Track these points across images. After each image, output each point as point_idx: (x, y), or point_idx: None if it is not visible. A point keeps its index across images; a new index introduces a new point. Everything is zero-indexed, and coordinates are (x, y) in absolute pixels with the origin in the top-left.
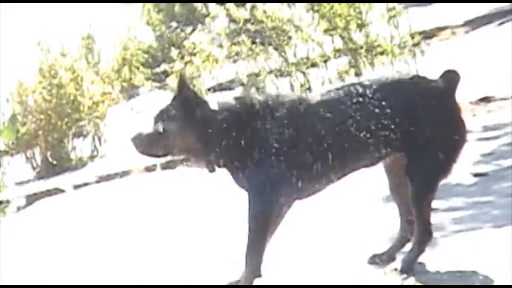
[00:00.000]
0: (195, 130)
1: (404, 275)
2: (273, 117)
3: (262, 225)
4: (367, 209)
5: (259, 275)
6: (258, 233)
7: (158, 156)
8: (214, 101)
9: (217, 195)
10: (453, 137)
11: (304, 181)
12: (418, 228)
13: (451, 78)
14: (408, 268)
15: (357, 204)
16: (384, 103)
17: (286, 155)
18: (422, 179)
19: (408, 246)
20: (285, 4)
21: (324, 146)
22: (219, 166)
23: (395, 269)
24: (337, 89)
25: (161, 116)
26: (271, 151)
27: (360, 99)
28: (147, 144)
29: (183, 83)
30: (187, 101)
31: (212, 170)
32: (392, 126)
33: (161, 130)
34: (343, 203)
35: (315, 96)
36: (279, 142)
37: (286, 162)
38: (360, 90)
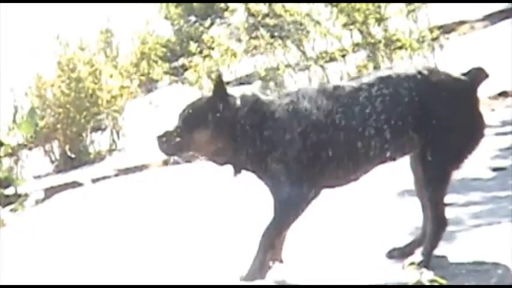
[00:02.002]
0: (222, 133)
1: (423, 269)
2: (294, 112)
3: (289, 217)
4: (387, 203)
5: (281, 261)
6: (283, 223)
7: (181, 156)
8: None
9: (235, 190)
10: (470, 133)
11: (330, 173)
12: (433, 221)
13: (476, 75)
14: (426, 261)
15: (377, 198)
16: (404, 95)
17: (311, 148)
18: (438, 172)
19: None
20: None
21: (347, 138)
22: (247, 169)
23: (413, 263)
24: (360, 79)
25: (189, 117)
26: (296, 145)
27: (381, 90)
28: (174, 147)
29: (220, 86)
30: (217, 103)
31: (238, 172)
32: (412, 119)
33: (187, 132)
34: (363, 197)
35: (337, 86)
36: (302, 136)
37: (311, 155)
38: (382, 81)
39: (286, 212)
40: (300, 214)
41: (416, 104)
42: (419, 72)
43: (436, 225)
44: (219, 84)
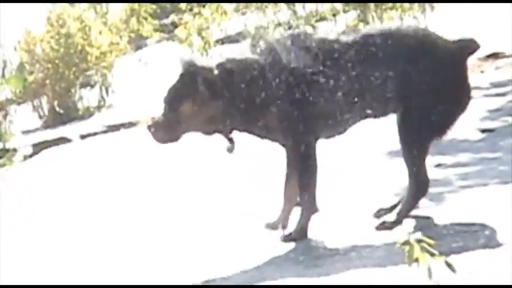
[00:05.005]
0: (205, 105)
1: (410, 231)
2: (279, 68)
3: (311, 163)
4: (375, 163)
5: (316, 210)
6: (309, 172)
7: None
8: (222, 54)
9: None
10: (453, 99)
11: (323, 123)
12: (410, 185)
13: (467, 44)
14: (399, 222)
15: (365, 158)
16: (388, 54)
17: (302, 101)
18: (414, 138)
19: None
20: None
21: (334, 91)
22: (240, 131)
23: (384, 222)
24: (350, 35)
25: (170, 99)
26: (290, 98)
27: (368, 46)
28: (165, 133)
29: (186, 61)
30: (191, 77)
31: (232, 148)
32: (394, 78)
33: (173, 116)
34: (351, 157)
35: (323, 40)
36: (291, 90)
37: (304, 107)
38: (369, 37)
39: (309, 165)
40: (315, 157)
41: (401, 62)
42: (407, 31)
43: (415, 191)
44: (187, 64)
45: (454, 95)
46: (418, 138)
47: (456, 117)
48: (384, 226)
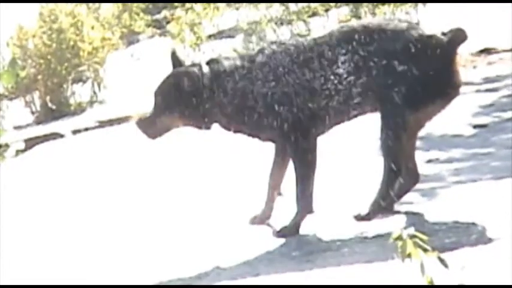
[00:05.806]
0: (193, 103)
1: (405, 226)
2: (265, 68)
3: (310, 163)
4: (369, 159)
5: (312, 211)
6: (307, 172)
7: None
8: (214, 49)
9: (214, 142)
10: (436, 91)
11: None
12: (384, 171)
13: (455, 35)
14: (373, 214)
15: (358, 154)
16: (372, 50)
17: (289, 99)
18: (395, 129)
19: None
20: None
21: (317, 88)
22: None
23: (359, 215)
24: (337, 29)
25: (159, 96)
26: (276, 98)
27: (349, 44)
28: (152, 128)
29: (175, 59)
30: (180, 76)
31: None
32: (379, 74)
33: (161, 111)
34: (344, 152)
35: (306, 41)
36: (278, 89)
37: (290, 105)
38: (351, 35)
39: (306, 166)
40: (315, 157)
41: (383, 55)
42: (392, 25)
43: (388, 176)
44: (174, 59)
45: (440, 83)
46: (399, 130)
47: (440, 104)
48: (359, 217)
